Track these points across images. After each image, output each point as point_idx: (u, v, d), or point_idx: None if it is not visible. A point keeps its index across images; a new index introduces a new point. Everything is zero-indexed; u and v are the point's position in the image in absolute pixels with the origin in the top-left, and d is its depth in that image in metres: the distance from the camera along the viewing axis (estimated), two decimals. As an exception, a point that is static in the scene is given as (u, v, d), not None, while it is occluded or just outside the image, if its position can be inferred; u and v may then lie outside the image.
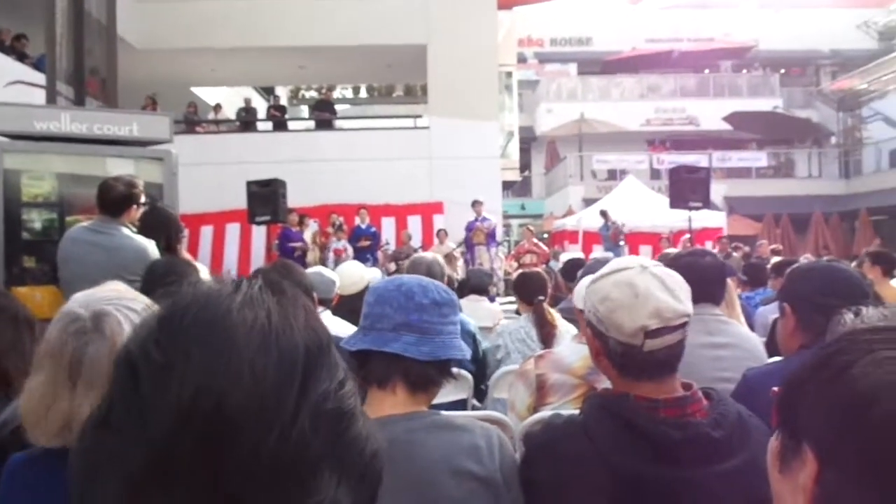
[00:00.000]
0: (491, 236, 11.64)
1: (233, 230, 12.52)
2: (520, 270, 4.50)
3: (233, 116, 16.13)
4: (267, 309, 0.55)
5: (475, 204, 11.58)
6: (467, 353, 1.45)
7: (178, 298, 0.56)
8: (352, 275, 3.58)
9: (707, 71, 25.25)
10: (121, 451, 0.50)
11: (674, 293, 1.27)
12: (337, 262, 9.98)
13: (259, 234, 11.00)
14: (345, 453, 0.55)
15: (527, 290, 3.40)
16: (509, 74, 18.75)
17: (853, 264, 6.13)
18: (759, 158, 22.08)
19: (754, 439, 1.31)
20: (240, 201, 9.33)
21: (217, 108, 15.97)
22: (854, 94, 22.22)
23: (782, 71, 25.32)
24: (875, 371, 0.55)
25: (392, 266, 10.41)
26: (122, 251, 3.23)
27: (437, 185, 12.89)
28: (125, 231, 3.34)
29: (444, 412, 1.43)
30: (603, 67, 25.26)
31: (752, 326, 3.61)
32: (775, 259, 6.45)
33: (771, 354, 2.44)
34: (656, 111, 23.94)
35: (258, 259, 11.55)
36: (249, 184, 8.87)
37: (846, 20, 23.72)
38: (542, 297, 3.19)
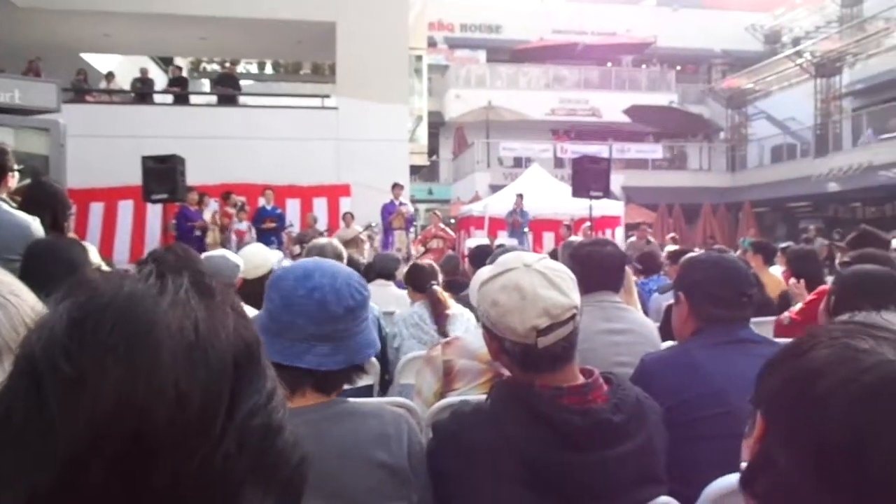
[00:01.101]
0: (409, 221, 11.64)
1: (125, 208, 11.83)
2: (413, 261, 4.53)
3: (127, 87, 15.20)
4: (195, 316, 0.49)
5: (395, 187, 11.51)
6: (378, 345, 1.43)
7: (93, 297, 0.48)
8: (255, 258, 3.47)
9: (609, 64, 26.13)
10: (21, 469, 0.44)
11: (560, 288, 1.30)
12: (239, 243, 9.67)
13: (155, 212, 10.47)
14: (271, 467, 0.50)
15: (419, 280, 3.45)
16: (419, 58, 18.67)
17: (737, 253, 6.55)
18: (655, 151, 23.11)
19: (650, 421, 1.38)
20: (134, 177, 8.82)
21: (110, 76, 14.99)
22: (741, 93, 23.62)
23: (678, 68, 26.55)
24: (830, 353, 0.60)
25: (297, 249, 10.17)
26: (-3, 227, 2.95)
27: (345, 167, 12.69)
28: (2, 205, 3.06)
29: (351, 399, 1.42)
30: (511, 56, 25.63)
31: (646, 312, 3.79)
32: (670, 248, 6.79)
33: (664, 339, 2.57)
34: (561, 101, 24.55)
35: (153, 240, 11.00)
36: (145, 159, 8.40)
37: (736, 22, 25.12)
38: (433, 282, 3.26)
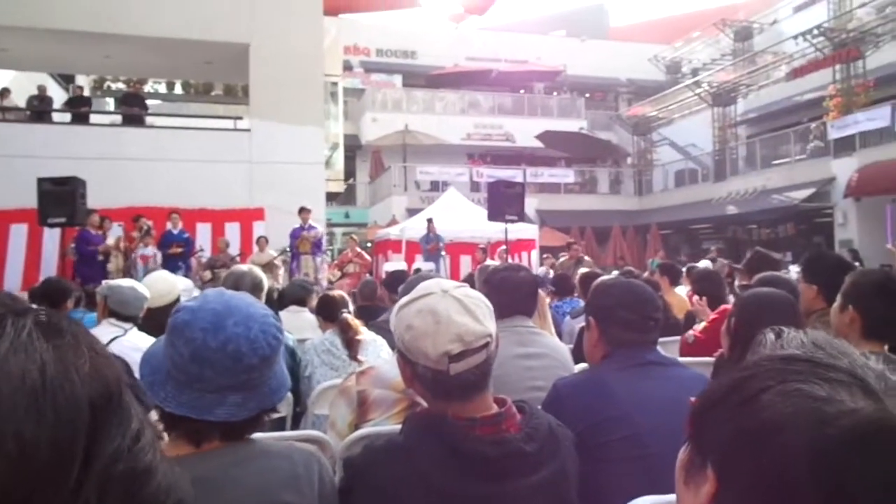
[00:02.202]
0: (317, 245, 11.43)
1: (18, 232, 11.09)
2: (326, 290, 4.50)
3: (23, 104, 14.35)
4: (40, 359, 0.45)
5: (302, 211, 11.30)
6: (289, 384, 1.38)
7: None
8: (159, 285, 3.31)
9: (522, 91, 26.86)
10: None
11: (474, 315, 1.30)
12: (144, 269, 9.24)
13: (52, 237, 9.87)
14: None
15: (329, 310, 3.46)
16: (335, 84, 18.55)
17: (646, 273, 6.79)
18: (567, 175, 23.84)
19: (563, 448, 1.39)
20: (29, 199, 8.31)
21: (4, 93, 14.11)
22: (646, 120, 24.78)
23: (587, 95, 27.61)
24: (783, 402, 0.55)
25: (207, 274, 9.83)
26: None
27: (258, 190, 12.40)
28: None
29: (260, 437, 1.36)
30: (427, 81, 25.94)
31: (560, 335, 3.86)
32: (582, 271, 6.97)
33: (578, 362, 2.61)
34: (476, 126, 25.01)
35: (49, 266, 10.35)
36: (41, 181, 7.93)
37: (639, 53, 26.44)
38: (344, 310, 3.28)
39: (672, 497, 1.43)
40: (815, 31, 16.60)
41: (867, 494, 0.50)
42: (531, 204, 19.55)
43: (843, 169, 16.02)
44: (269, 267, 9.70)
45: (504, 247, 10.34)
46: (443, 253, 12.93)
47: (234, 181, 12.24)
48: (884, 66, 16.45)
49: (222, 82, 17.83)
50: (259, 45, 12.66)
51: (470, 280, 5.47)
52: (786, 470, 0.53)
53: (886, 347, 2.11)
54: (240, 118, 14.60)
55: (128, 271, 9.61)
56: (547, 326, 3.36)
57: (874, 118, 15.19)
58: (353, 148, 24.35)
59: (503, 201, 9.32)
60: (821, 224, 17.54)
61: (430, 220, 13.05)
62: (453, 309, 1.30)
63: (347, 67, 24.66)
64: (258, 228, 12.04)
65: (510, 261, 9.27)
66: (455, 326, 1.28)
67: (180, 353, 1.20)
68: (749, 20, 23.78)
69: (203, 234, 11.95)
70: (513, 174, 20.16)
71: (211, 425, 1.21)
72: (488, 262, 8.84)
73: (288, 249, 11.26)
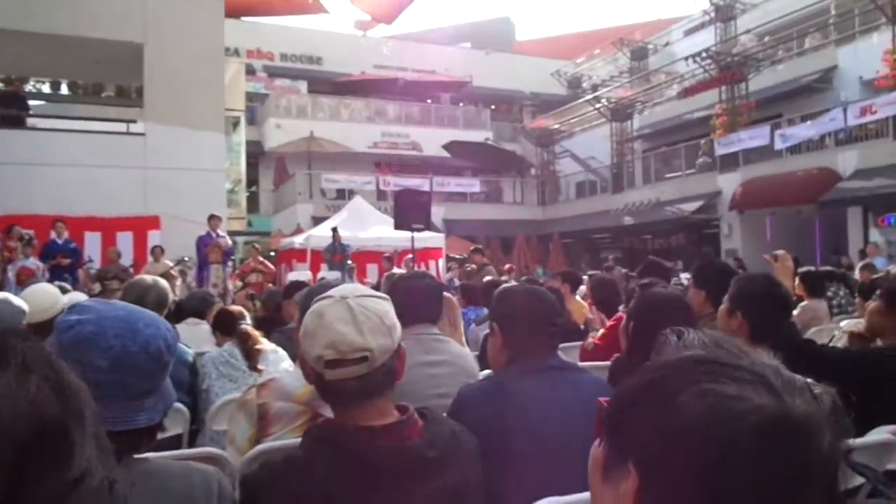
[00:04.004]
0: (227, 254, 11.03)
1: None
2: (221, 305, 4.36)
3: None
4: None
5: (212, 219, 10.85)
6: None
7: None
8: (41, 299, 3.09)
9: (429, 101, 27.08)
10: None
11: (359, 327, 1.29)
12: (26, 282, 8.59)
13: (-83, 247, 9.04)
14: None
15: (226, 324, 3.39)
16: (236, 124, 17.93)
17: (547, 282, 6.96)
18: (473, 185, 24.19)
19: (465, 454, 1.39)
20: None
21: None
22: (549, 133, 25.55)
23: (493, 107, 28.19)
24: (698, 401, 0.59)
25: (96, 287, 9.26)
26: None
27: (154, 197, 11.82)
28: None
29: (154, 456, 1.28)
30: (333, 88, 25.68)
31: (466, 342, 3.89)
32: (487, 279, 7.06)
33: (483, 368, 2.64)
34: (383, 135, 24.99)
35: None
36: None
37: (543, 68, 27.31)
38: (242, 322, 3.22)
39: (574, 497, 1.47)
40: (704, 54, 17.67)
41: (775, 481, 0.56)
42: (438, 213, 19.71)
43: (729, 183, 17.11)
44: (164, 278, 9.25)
45: (411, 255, 10.34)
46: (349, 262, 12.78)
47: (126, 188, 11.62)
48: (764, 89, 17.73)
49: (114, 83, 16.92)
50: (154, 45, 12.12)
51: (376, 289, 5.43)
52: (705, 464, 0.57)
53: (771, 350, 2.24)
54: (133, 121, 13.90)
55: (2, 286, 8.91)
56: (458, 335, 3.38)
57: (755, 137, 16.32)
58: (255, 154, 23.72)
59: (410, 210, 9.34)
60: (709, 234, 18.63)
61: (334, 230, 12.88)
62: (339, 316, 1.30)
63: (250, 72, 24.02)
64: (153, 238, 11.47)
65: (416, 269, 9.29)
66: (332, 334, 1.28)
67: (96, 367, 1.13)
68: (645, 41, 25.10)
69: (92, 244, 11.26)
70: (420, 183, 20.26)
71: (135, 437, 1.16)
72: (395, 270, 8.82)
73: (185, 259, 10.79)
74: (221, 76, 13.49)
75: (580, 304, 5.78)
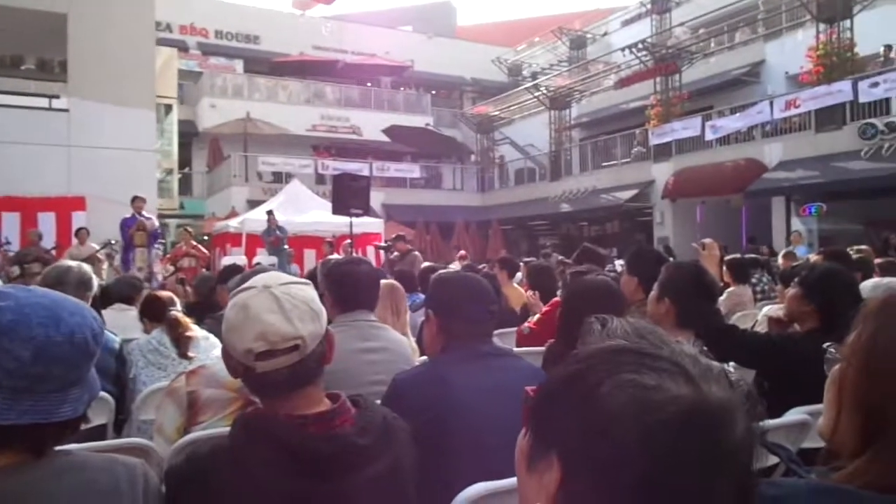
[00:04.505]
0: (153, 237, 10.63)
1: None
2: (150, 291, 4.24)
3: None
4: None
5: (135, 200, 10.42)
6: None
7: None
8: (-48, 284, 2.92)
9: (369, 84, 26.78)
10: None
11: (287, 315, 1.26)
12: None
13: None
14: None
15: (155, 311, 3.30)
16: (169, 107, 17.26)
17: (486, 268, 7.01)
18: (413, 170, 24.12)
19: (399, 441, 1.38)
20: None
21: None
22: (489, 119, 25.66)
23: (433, 92, 28.10)
24: (618, 393, 0.60)
25: (15, 270, 8.79)
26: None
27: (78, 177, 11.30)
28: None
29: (77, 448, 1.23)
30: (270, 68, 25.06)
31: (404, 328, 3.88)
32: (425, 265, 7.07)
33: (422, 355, 2.64)
34: (322, 118, 24.56)
35: None
36: None
37: (484, 54, 27.37)
38: (171, 309, 3.13)
39: (505, 482, 1.48)
40: (640, 45, 18.05)
41: (691, 469, 0.57)
42: (377, 198, 19.57)
43: (662, 173, 17.60)
44: (90, 261, 8.88)
45: (349, 241, 10.24)
46: (286, 247, 12.56)
47: (48, 166, 11.07)
48: (696, 81, 18.28)
49: (35, 56, 16.05)
50: (79, 16, 11.53)
51: (312, 275, 5.36)
52: (625, 455, 0.58)
53: (695, 335, 2.32)
54: (56, 97, 13.20)
55: None
56: (402, 323, 3.37)
57: (688, 128, 16.83)
58: (188, 135, 22.98)
59: (348, 194, 9.23)
60: (642, 222, 19.15)
61: (270, 213, 12.62)
62: (265, 307, 1.26)
63: (183, 48, 23.24)
64: (78, 219, 10.98)
65: (354, 255, 9.21)
66: (260, 325, 1.25)
67: (17, 357, 1.06)
68: (583, 30, 25.44)
69: (10, 225, 10.71)
70: (359, 167, 20.04)
71: (22, 433, 1.09)
72: (333, 255, 8.72)
73: (112, 242, 10.37)
74: (152, 50, 12.97)
75: (517, 290, 5.85)
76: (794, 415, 2.14)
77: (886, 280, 3.49)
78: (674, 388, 0.60)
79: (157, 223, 10.78)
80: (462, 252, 13.26)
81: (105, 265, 10.06)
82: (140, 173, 11.77)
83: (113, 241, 10.44)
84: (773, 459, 1.10)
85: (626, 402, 0.59)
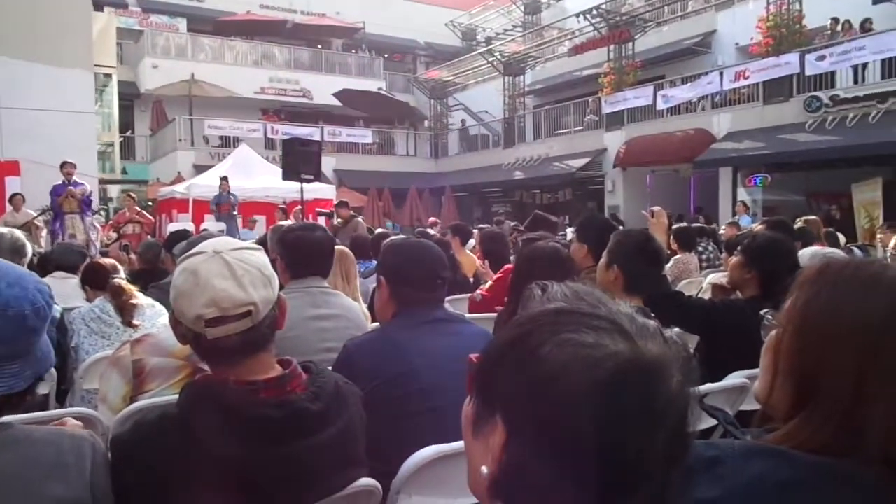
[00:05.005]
0: (85, 203, 10.23)
1: None
2: (97, 258, 4.14)
3: None
4: None
5: (64, 165, 10.00)
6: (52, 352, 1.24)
7: None
8: None
9: (320, 47, 26.13)
10: None
11: (239, 281, 1.24)
12: None
13: None
14: None
15: (97, 279, 3.24)
16: (108, 76, 16.38)
17: (440, 234, 7.02)
18: (365, 135, 23.78)
19: (350, 405, 1.39)
20: None
21: None
22: (442, 85, 25.41)
23: (386, 56, 27.61)
24: (559, 352, 0.62)
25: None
26: None
27: (10, 140, 10.78)
28: None
29: (19, 420, 1.19)
30: (215, 27, 24.17)
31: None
32: (379, 231, 7.04)
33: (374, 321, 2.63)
34: (271, 80, 23.91)
35: None
36: None
37: (437, 17, 26.91)
38: (114, 276, 3.07)
39: (456, 444, 1.51)
40: (594, 12, 18.05)
41: (629, 422, 0.59)
42: (328, 163, 19.29)
43: (614, 141, 17.79)
44: (27, 228, 8.55)
45: (300, 207, 10.09)
46: (235, 212, 12.31)
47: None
48: (649, 50, 18.42)
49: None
50: (7, -31, 10.90)
51: (263, 241, 5.27)
52: (566, 412, 0.60)
53: (643, 302, 2.38)
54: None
55: None
56: (352, 288, 3.35)
57: (639, 96, 17.01)
58: (130, 96, 22.13)
59: (299, 159, 9.06)
60: (594, 190, 19.38)
61: (224, 178, 12.32)
62: (216, 272, 1.24)
63: (122, 6, 22.23)
64: (12, 184, 10.51)
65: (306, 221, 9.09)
66: (211, 291, 1.22)
67: None
68: (538, -5, 25.24)
69: (-66, 192, 10.21)
70: (310, 132, 19.67)
71: None
72: (283, 222, 8.60)
73: (50, 209, 9.98)
74: (88, 8, 12.36)
75: (470, 257, 5.88)
76: (733, 379, 2.22)
77: (826, 250, 3.63)
78: (611, 344, 0.62)
79: (88, 189, 10.33)
80: (433, 219, 13.24)
81: (44, 232, 9.70)
82: (78, 137, 11.30)
83: (50, 208, 10.05)
84: (712, 422, 1.14)
85: (566, 360, 0.61)
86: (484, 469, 0.66)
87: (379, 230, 7.05)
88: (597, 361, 0.61)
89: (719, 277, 3.57)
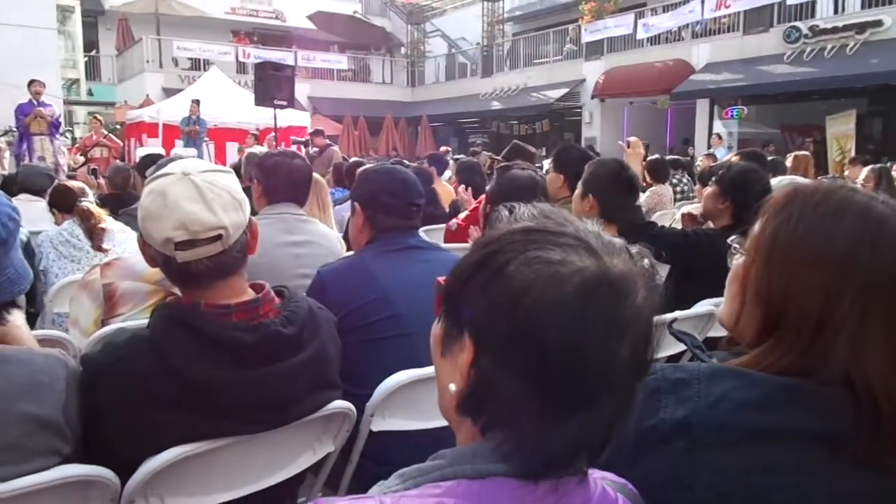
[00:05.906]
0: (54, 125, 9.87)
1: None
2: (65, 181, 4.06)
3: None
4: None
5: (32, 83, 9.55)
6: (31, 274, 1.23)
7: None
8: None
9: (292, -35, 25.04)
10: None
11: (209, 204, 1.21)
12: None
13: None
14: None
15: (64, 201, 3.22)
16: (71, 8, 15.54)
17: (416, 163, 6.96)
18: (340, 61, 23.10)
19: (323, 330, 1.40)
20: None
21: None
22: (420, 9, 24.63)
23: (361, -23, 26.58)
24: (526, 269, 0.63)
25: None
26: None
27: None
28: None
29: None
30: (183, -58, 22.98)
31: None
32: (354, 159, 6.95)
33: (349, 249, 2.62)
34: (242, 0, 22.97)
35: None
36: None
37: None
38: (82, 199, 3.03)
39: (428, 369, 1.53)
40: (576, -66, 17.48)
41: (595, 334, 0.61)
42: (302, 90, 18.79)
43: (592, 71, 17.54)
44: (-10, 149, 8.30)
45: (273, 133, 9.88)
46: (204, 138, 12.01)
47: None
48: (631, -24, 17.95)
49: None
50: None
51: (237, 167, 5.18)
52: (534, 326, 0.61)
53: (618, 231, 2.40)
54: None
55: None
56: (327, 217, 3.33)
57: (620, 25, 16.69)
58: (94, 13, 21.16)
59: (272, 85, 8.83)
60: (571, 122, 19.23)
61: (196, 102, 11.94)
62: (185, 194, 1.21)
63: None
64: (-29, 105, 10.11)
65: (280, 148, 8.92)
66: (181, 213, 1.19)
67: None
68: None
69: None
70: (283, 57, 19.04)
71: None
72: (255, 148, 8.43)
73: (15, 129, 9.63)
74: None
75: (446, 187, 5.84)
76: (702, 306, 2.27)
77: (795, 178, 3.66)
78: (578, 260, 0.63)
79: (56, 110, 9.97)
80: (444, 148, 13.10)
81: (7, 154, 9.40)
82: (38, 53, 10.83)
83: (15, 129, 9.71)
84: (681, 347, 1.17)
85: (533, 276, 0.62)
86: (452, 387, 0.68)
87: (354, 159, 6.96)
88: (563, 277, 0.62)
89: (692, 208, 3.60)
